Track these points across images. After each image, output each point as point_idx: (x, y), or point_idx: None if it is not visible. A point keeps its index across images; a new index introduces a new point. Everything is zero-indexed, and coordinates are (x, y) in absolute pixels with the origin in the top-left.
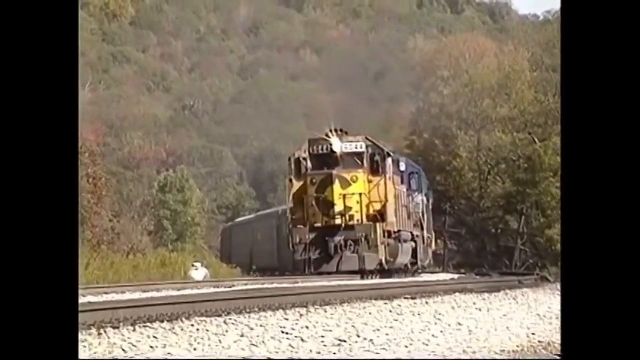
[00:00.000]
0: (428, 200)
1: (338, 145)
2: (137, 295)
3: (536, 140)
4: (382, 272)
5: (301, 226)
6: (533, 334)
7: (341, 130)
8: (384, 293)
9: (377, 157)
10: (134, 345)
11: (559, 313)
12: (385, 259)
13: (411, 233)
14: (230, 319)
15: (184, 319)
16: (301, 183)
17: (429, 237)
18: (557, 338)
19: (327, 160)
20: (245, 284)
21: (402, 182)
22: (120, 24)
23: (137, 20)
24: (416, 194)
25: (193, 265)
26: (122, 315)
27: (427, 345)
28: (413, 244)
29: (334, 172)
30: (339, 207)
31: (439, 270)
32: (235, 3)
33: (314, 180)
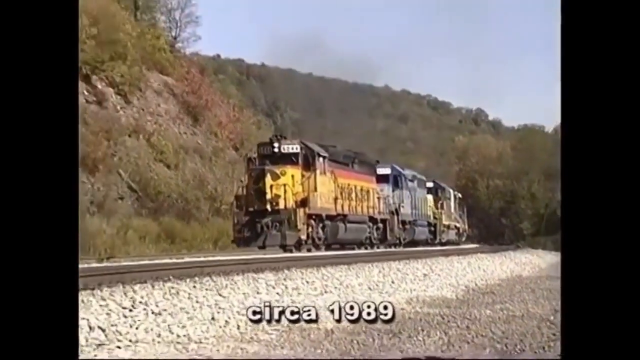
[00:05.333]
0: (437, 196)
1: (278, 147)
2: (302, 254)
3: (514, 183)
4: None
5: (238, 210)
6: (512, 271)
7: (281, 136)
8: (445, 253)
9: (309, 157)
10: (308, 282)
11: (524, 260)
12: (308, 236)
13: (370, 217)
14: (354, 267)
15: (318, 268)
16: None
17: (431, 221)
18: (518, 272)
19: (269, 158)
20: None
21: (382, 182)
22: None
23: None
24: (396, 189)
25: None
26: (293, 264)
27: (465, 275)
28: (380, 224)
29: (266, 167)
30: (268, 195)
31: (470, 243)
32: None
33: (253, 174)
